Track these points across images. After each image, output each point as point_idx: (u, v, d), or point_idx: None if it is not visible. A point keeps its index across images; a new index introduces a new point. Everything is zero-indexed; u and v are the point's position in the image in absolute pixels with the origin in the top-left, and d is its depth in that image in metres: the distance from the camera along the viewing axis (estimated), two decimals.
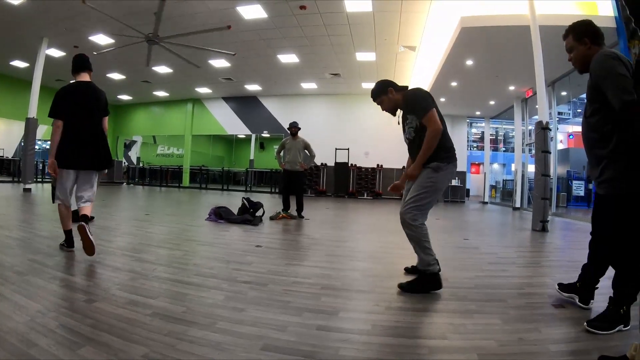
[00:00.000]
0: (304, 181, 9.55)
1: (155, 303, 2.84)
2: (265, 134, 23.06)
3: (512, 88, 14.63)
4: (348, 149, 19.43)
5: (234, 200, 12.14)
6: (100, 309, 2.66)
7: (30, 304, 2.66)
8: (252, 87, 20.12)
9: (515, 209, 15.37)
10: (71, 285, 3.14)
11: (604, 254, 2.92)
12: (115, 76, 18.43)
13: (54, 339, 2.15)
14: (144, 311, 2.67)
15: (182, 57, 12.67)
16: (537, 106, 9.32)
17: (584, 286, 3.06)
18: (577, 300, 3.07)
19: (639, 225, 2.43)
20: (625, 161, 2.41)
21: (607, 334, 2.46)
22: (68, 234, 4.38)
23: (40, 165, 19.92)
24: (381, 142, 19.21)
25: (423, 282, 3.44)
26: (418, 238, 3.50)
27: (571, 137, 24.95)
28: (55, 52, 15.26)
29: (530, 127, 16.00)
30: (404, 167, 18.28)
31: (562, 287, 3.26)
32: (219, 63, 16.03)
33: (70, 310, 2.59)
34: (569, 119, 25.46)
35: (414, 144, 3.65)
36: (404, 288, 3.42)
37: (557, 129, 15.40)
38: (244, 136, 26.79)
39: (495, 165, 29.88)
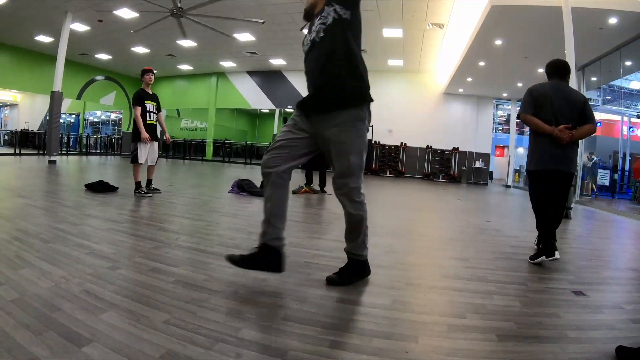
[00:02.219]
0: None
1: (177, 271, 2.87)
2: (290, 109, 22.94)
3: (540, 70, 14.20)
4: (372, 126, 19.00)
5: (256, 174, 12.17)
6: (123, 275, 2.69)
7: (55, 270, 2.70)
8: (277, 62, 19.96)
9: None
10: (95, 252, 3.17)
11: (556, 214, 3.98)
12: (140, 50, 18.47)
13: (77, 304, 2.18)
14: (167, 279, 2.69)
15: (211, 28, 12.58)
16: None
17: (545, 245, 3.80)
18: (545, 258, 3.75)
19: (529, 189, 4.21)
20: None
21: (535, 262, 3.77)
22: (138, 184, 6.60)
23: (65, 138, 20.17)
24: (405, 120, 19.03)
25: (356, 270, 2.91)
26: (364, 217, 2.77)
27: (599, 124, 24.33)
28: (80, 27, 15.34)
29: None
30: (428, 146, 18.35)
31: (531, 257, 3.90)
32: (244, 37, 15.89)
33: (94, 276, 2.62)
34: (597, 105, 24.77)
35: (316, 52, 2.73)
36: (334, 282, 2.81)
37: None
38: (267, 110, 26.75)
39: (520, 149, 29.30)
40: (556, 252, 3.75)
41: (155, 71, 7.13)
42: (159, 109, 6.91)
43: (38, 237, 3.52)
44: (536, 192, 4.06)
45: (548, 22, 9.36)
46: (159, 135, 7.12)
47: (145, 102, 6.68)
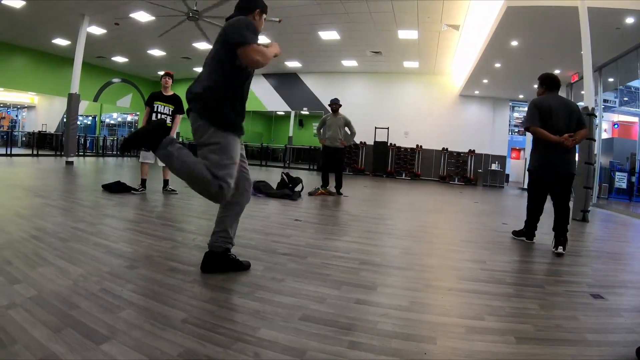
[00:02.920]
0: (343, 158, 9.47)
1: (195, 271, 2.87)
2: (305, 111, 22.91)
3: (557, 72, 14.05)
4: (388, 128, 19.05)
5: (272, 176, 12.21)
6: (141, 274, 2.70)
7: (73, 268, 2.72)
8: (293, 64, 19.91)
9: None
10: (113, 252, 3.18)
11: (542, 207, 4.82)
12: (156, 53, 18.57)
13: (95, 302, 2.19)
14: (185, 278, 2.69)
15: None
16: (582, 92, 8.96)
17: (529, 230, 4.87)
18: (525, 239, 4.88)
19: (529, 187, 4.98)
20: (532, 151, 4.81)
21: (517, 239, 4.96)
22: (143, 182, 6.82)
23: (82, 139, 20.38)
24: (421, 122, 18.89)
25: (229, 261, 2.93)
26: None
27: (616, 126, 23.92)
28: (96, 30, 15.45)
29: None
30: (443, 148, 18.23)
31: (515, 232, 5.12)
32: (260, 39, 15.79)
33: (112, 275, 2.63)
34: (614, 107, 24.39)
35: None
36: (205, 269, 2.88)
37: (602, 117, 14.75)
38: (283, 113, 26.77)
39: None
40: (560, 248, 4.26)
41: (172, 74, 7.19)
42: (178, 111, 6.96)
43: (56, 235, 3.54)
44: (537, 192, 4.77)
45: (564, 23, 9.24)
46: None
47: (156, 102, 6.84)
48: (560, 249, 4.24)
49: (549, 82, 4.77)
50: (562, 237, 4.32)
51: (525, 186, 18.79)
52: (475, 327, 2.22)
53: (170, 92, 7.02)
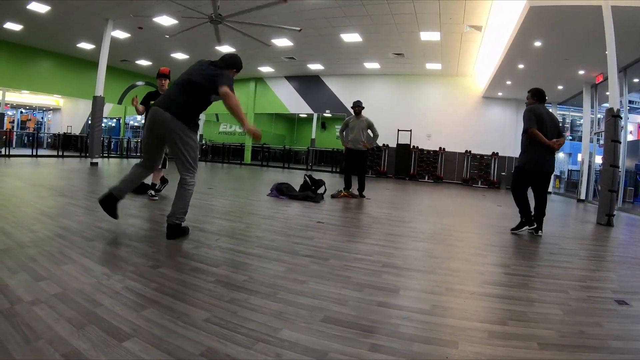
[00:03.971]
0: (366, 161, 9.43)
1: (217, 271, 2.88)
2: (327, 114, 22.93)
3: (581, 72, 13.82)
4: (410, 131, 18.89)
5: (295, 178, 12.22)
6: (164, 274, 2.71)
7: (97, 267, 2.75)
8: (315, 67, 19.93)
9: (579, 200, 14.52)
10: (137, 251, 3.21)
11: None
12: (179, 56, 18.74)
13: (118, 300, 2.21)
14: (207, 278, 2.70)
15: (249, 36, 12.69)
16: (607, 92, 8.76)
17: (528, 218, 5.62)
18: (528, 227, 5.65)
19: (519, 186, 5.70)
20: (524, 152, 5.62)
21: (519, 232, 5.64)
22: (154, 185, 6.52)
23: (106, 141, 20.69)
24: (444, 125, 18.70)
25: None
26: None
27: None
28: (120, 34, 15.72)
29: (599, 115, 15.10)
30: (467, 151, 18.05)
31: (514, 229, 5.71)
32: (282, 42, 15.92)
33: (136, 274, 2.65)
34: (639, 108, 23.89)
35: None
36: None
37: (628, 118, 14.44)
38: (305, 115, 26.86)
39: (561, 155, 28.55)
40: (540, 232, 5.57)
41: (168, 74, 6.63)
42: None
43: (80, 234, 3.59)
44: (523, 185, 5.68)
45: (588, 22, 9.05)
46: None
47: (152, 103, 6.42)
48: (540, 233, 5.55)
49: (539, 95, 5.67)
50: (541, 220, 5.59)
51: (550, 189, 18.63)
52: (497, 332, 2.18)
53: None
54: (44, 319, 1.89)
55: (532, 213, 5.61)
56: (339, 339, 1.95)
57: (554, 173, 21.57)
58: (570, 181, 21.58)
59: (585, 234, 6.62)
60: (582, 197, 14.51)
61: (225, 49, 16.76)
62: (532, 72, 14.14)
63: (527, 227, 5.61)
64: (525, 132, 5.54)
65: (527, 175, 5.59)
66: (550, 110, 6.34)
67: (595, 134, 15.06)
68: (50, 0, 12.55)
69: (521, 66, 13.62)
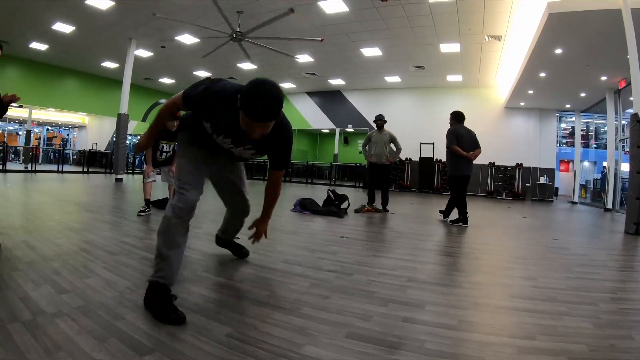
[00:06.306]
0: (389, 175, 9.39)
1: (240, 286, 2.87)
2: (350, 129, 22.92)
3: (604, 78, 13.58)
4: (433, 144, 18.76)
5: (318, 193, 12.20)
6: (186, 288, 2.70)
7: (120, 280, 2.75)
8: (336, 82, 20.02)
9: (606, 210, 14.21)
10: None
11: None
12: (202, 74, 19.02)
13: (140, 313, 2.20)
14: (229, 293, 2.70)
15: (271, 49, 12.81)
16: (631, 98, 8.52)
17: (465, 216, 7.11)
18: (463, 224, 7.06)
19: (456, 188, 7.35)
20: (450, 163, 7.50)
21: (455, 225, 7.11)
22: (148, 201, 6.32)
23: (131, 158, 20.97)
24: None
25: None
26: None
27: None
28: (143, 53, 16.09)
29: (623, 122, 14.81)
30: (490, 162, 17.83)
31: (451, 221, 7.27)
32: (303, 58, 16.02)
33: None
34: None
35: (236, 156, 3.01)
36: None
37: None
38: (328, 130, 26.90)
39: (586, 163, 28.05)
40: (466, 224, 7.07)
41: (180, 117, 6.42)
42: None
43: (104, 249, 3.61)
44: (459, 188, 7.28)
45: (608, 27, 8.91)
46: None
47: (161, 142, 6.44)
48: (465, 224, 7.05)
49: (459, 117, 7.55)
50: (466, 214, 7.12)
51: (575, 199, 18.35)
52: (526, 347, 2.11)
53: (175, 127, 6.24)
54: (65, 331, 1.89)
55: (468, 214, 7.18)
56: (363, 355, 1.91)
57: (580, 182, 21.18)
58: (596, 190, 21.16)
59: (613, 244, 6.44)
60: (609, 206, 14.19)
61: (248, 66, 16.96)
62: (554, 80, 13.97)
63: (461, 224, 7.08)
64: (448, 148, 7.33)
65: (458, 180, 7.29)
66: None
67: (620, 140, 14.76)
68: (74, 21, 12.90)
69: (542, 74, 13.46)
